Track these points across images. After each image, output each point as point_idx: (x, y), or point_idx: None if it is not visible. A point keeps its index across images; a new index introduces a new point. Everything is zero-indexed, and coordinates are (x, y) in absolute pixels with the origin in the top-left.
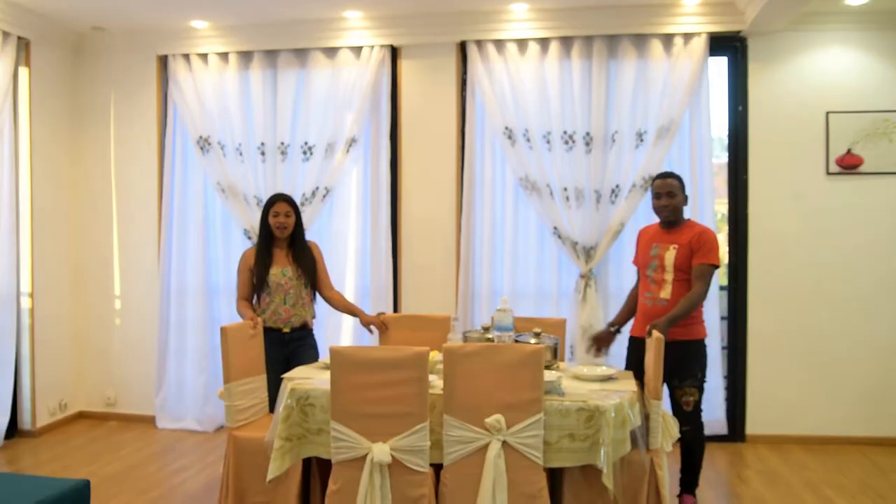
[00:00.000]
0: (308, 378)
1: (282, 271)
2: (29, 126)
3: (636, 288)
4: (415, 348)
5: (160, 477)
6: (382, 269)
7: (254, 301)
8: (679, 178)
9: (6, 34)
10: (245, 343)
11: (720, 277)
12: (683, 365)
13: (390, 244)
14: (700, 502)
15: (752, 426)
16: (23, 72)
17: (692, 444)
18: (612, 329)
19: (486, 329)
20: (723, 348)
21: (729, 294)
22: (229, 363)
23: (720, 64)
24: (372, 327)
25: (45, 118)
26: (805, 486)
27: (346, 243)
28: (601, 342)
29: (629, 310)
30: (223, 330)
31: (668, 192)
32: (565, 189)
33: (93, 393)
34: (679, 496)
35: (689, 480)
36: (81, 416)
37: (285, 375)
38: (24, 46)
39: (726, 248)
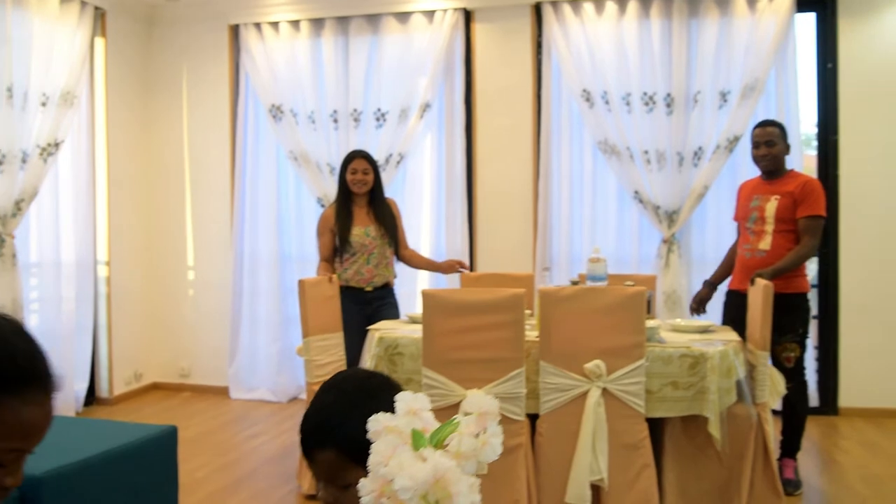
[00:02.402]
0: (394, 329)
1: (364, 231)
2: (105, 96)
3: (735, 244)
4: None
5: (236, 441)
6: (458, 236)
7: (335, 262)
8: (780, 126)
9: (84, 4)
10: (323, 297)
11: None
12: (783, 319)
13: (466, 210)
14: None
15: (846, 398)
16: (98, 42)
17: (796, 403)
18: (710, 285)
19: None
20: (813, 317)
21: (819, 260)
22: (307, 317)
23: (808, 20)
24: (459, 268)
25: (120, 88)
26: None
27: (421, 210)
28: (699, 299)
29: (727, 266)
30: (301, 283)
31: (766, 141)
32: (646, 152)
33: (166, 363)
34: (779, 460)
35: (790, 443)
36: (155, 386)
37: (371, 327)
38: (100, 17)
39: None
